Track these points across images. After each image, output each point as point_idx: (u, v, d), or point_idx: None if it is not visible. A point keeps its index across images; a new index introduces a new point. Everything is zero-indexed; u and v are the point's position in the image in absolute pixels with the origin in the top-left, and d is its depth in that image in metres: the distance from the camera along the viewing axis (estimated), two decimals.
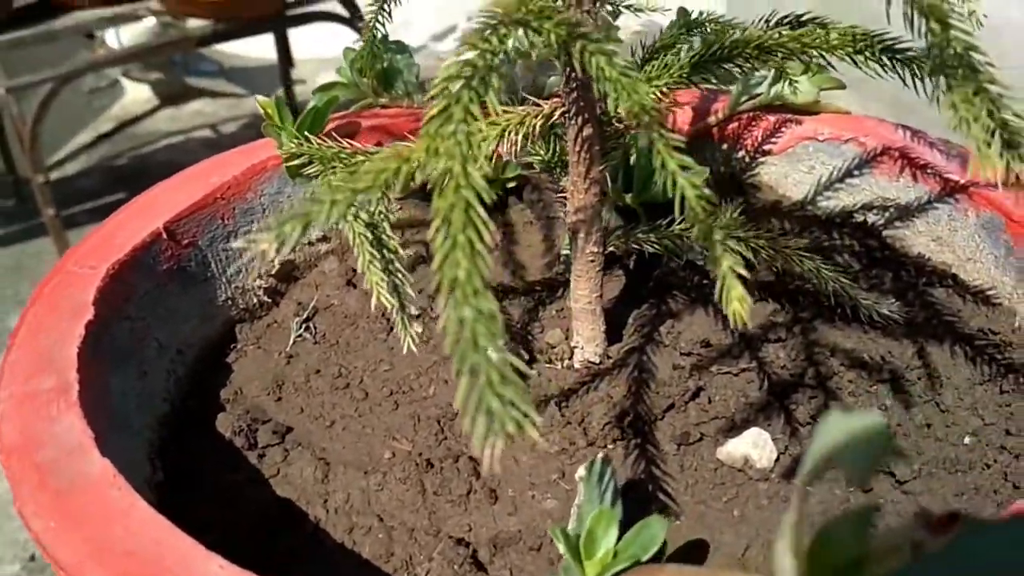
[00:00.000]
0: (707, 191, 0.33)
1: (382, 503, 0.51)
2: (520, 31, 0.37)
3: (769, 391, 0.56)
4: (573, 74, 0.49)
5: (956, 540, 0.23)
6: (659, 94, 0.49)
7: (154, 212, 0.60)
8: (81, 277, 0.53)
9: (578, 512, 0.43)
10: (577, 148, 0.51)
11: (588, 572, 0.41)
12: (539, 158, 0.57)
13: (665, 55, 0.51)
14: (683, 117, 0.74)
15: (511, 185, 0.75)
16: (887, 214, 0.66)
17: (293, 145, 0.52)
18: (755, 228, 0.67)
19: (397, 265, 0.47)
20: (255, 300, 0.66)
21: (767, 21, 0.48)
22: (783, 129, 0.71)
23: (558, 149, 0.57)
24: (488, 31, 0.36)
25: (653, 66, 0.50)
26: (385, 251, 0.46)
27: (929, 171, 0.63)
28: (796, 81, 0.65)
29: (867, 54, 0.42)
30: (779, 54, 0.45)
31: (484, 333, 0.30)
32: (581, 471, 0.43)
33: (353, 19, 2.42)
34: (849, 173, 0.68)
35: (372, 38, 0.65)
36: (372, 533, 0.50)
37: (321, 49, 2.99)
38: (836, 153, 0.69)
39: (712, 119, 0.73)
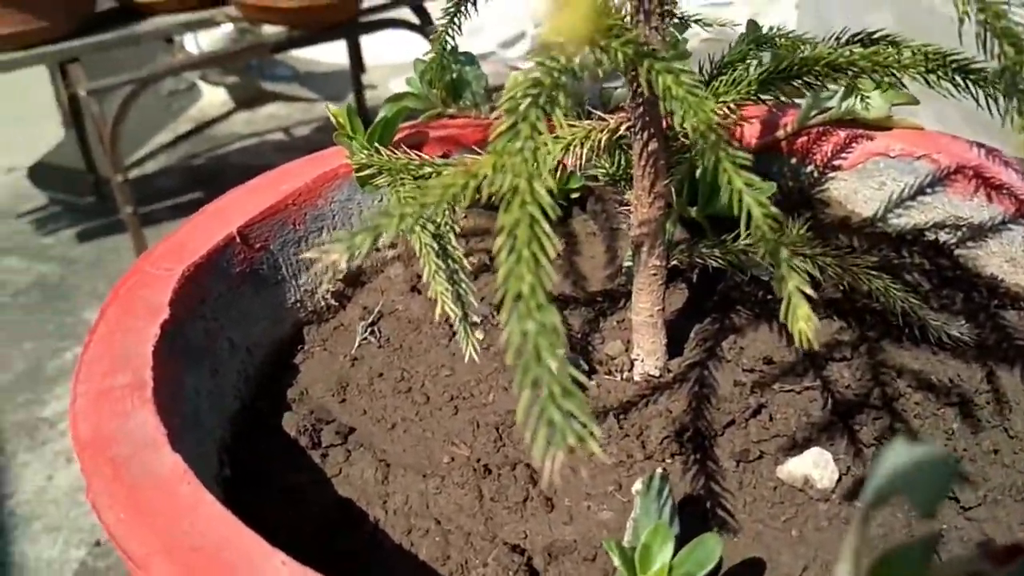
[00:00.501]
0: (774, 209, 0.33)
1: (440, 507, 0.52)
2: (587, 49, 0.37)
3: (832, 411, 0.55)
4: (640, 90, 0.50)
5: (1018, 572, 0.22)
6: (727, 110, 0.49)
7: (228, 217, 0.62)
8: (157, 278, 0.55)
9: (634, 526, 0.43)
10: (642, 162, 0.51)
11: None
12: (604, 171, 0.58)
13: (734, 70, 0.51)
14: (751, 131, 0.74)
15: (575, 196, 0.76)
16: (960, 233, 0.65)
17: (363, 156, 0.54)
18: (823, 244, 0.67)
19: (461, 275, 0.47)
20: (323, 303, 0.68)
21: (838, 38, 0.47)
22: (854, 144, 0.70)
23: (623, 162, 0.57)
24: (556, 49, 0.36)
25: (721, 81, 0.50)
26: (450, 261, 0.47)
27: (1004, 191, 0.62)
28: (868, 96, 0.64)
29: (939, 73, 0.42)
30: (850, 72, 0.44)
31: (546, 346, 0.30)
32: (638, 485, 0.44)
33: (424, 26, 2.45)
34: (921, 190, 0.67)
35: (441, 50, 0.66)
36: (429, 536, 0.50)
37: (392, 55, 3.04)
38: (908, 170, 0.68)
39: (781, 133, 0.72)
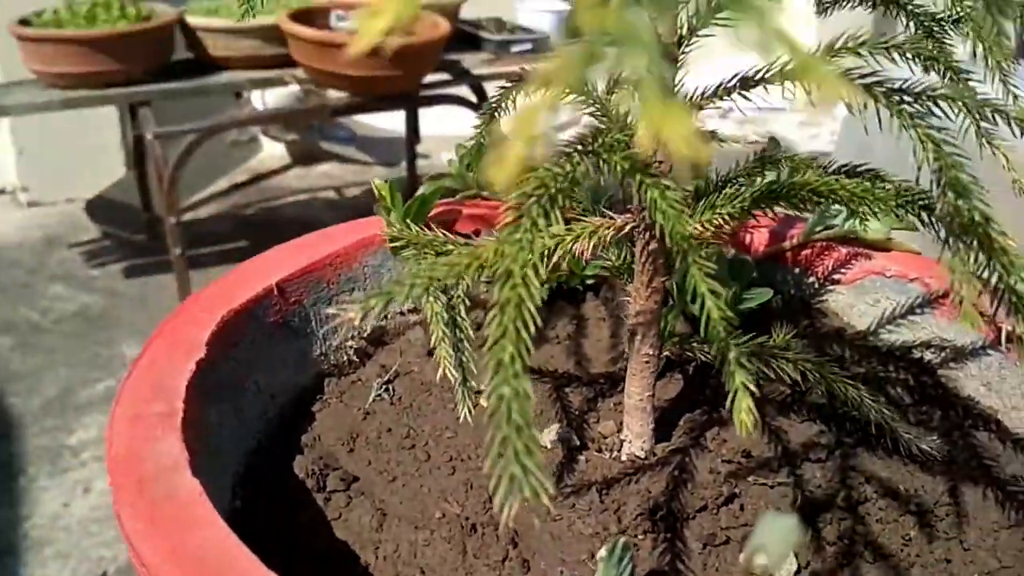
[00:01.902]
0: (729, 313, 0.38)
1: (427, 558, 0.56)
2: (589, 159, 0.43)
3: (800, 507, 0.59)
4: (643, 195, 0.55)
5: None
6: (722, 220, 0.54)
7: (270, 271, 0.68)
8: (200, 319, 0.61)
9: None
10: (642, 259, 0.57)
11: None
12: (610, 262, 0.63)
13: (738, 184, 0.57)
14: (759, 238, 0.79)
15: (590, 282, 0.81)
16: (943, 354, 0.69)
17: (395, 229, 0.60)
18: (817, 352, 0.71)
19: (466, 343, 0.53)
20: (345, 358, 0.73)
21: (825, 168, 0.53)
22: (853, 261, 0.75)
23: (627, 256, 0.63)
24: (562, 158, 0.42)
25: (724, 194, 0.56)
26: (458, 330, 0.52)
27: (985, 318, 0.66)
28: (866, 220, 0.69)
29: (907, 209, 0.47)
30: (831, 199, 0.49)
31: (517, 409, 0.35)
32: (603, 551, 0.48)
33: (480, 104, 2.56)
34: (912, 310, 0.71)
35: (481, 137, 0.72)
36: None
37: (448, 127, 3.15)
38: (901, 290, 0.72)
39: (787, 243, 0.78)
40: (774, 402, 0.68)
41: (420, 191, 0.75)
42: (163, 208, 2.33)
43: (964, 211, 0.39)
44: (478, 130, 0.71)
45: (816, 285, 0.78)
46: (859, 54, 0.46)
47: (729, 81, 0.51)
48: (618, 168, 0.43)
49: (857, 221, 0.71)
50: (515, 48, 2.69)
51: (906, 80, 0.43)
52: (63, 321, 2.37)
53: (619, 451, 0.64)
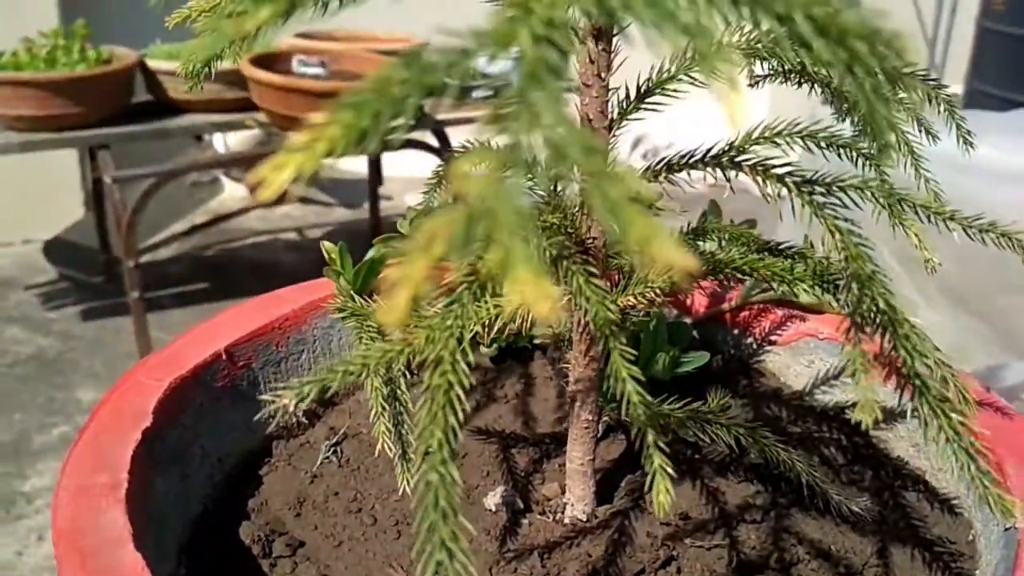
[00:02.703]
0: (648, 397, 0.40)
1: None
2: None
3: (736, 569, 0.61)
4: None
5: None
6: (653, 294, 0.56)
7: (219, 335, 0.69)
8: (147, 387, 0.62)
9: None
10: (579, 329, 0.59)
11: None
12: (550, 331, 0.65)
13: None
14: (700, 300, 0.82)
15: (537, 341, 0.83)
16: (909, 408, 0.72)
17: (340, 301, 0.61)
18: (754, 412, 0.73)
19: (405, 416, 0.54)
20: (294, 420, 0.74)
21: (749, 244, 0.55)
22: (788, 323, 0.78)
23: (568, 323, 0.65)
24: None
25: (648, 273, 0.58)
26: (397, 403, 0.54)
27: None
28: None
29: (824, 289, 0.49)
30: (752, 275, 0.52)
31: (444, 496, 0.37)
32: None
33: (442, 149, 2.59)
34: (844, 371, 0.74)
35: (430, 201, 0.74)
36: None
37: (411, 168, 3.17)
38: (834, 352, 0.75)
39: (726, 305, 0.80)
40: (712, 463, 0.70)
41: (369, 254, 0.76)
42: (121, 251, 2.32)
43: (867, 300, 0.42)
44: (427, 196, 0.73)
45: (754, 346, 0.80)
46: (776, 143, 0.49)
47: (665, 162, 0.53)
48: (546, 254, 0.45)
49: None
50: (476, 93, 2.73)
51: (817, 171, 0.46)
52: (18, 364, 2.35)
53: (562, 514, 0.66)
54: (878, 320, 0.43)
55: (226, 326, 0.70)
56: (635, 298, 0.58)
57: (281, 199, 3.46)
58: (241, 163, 3.14)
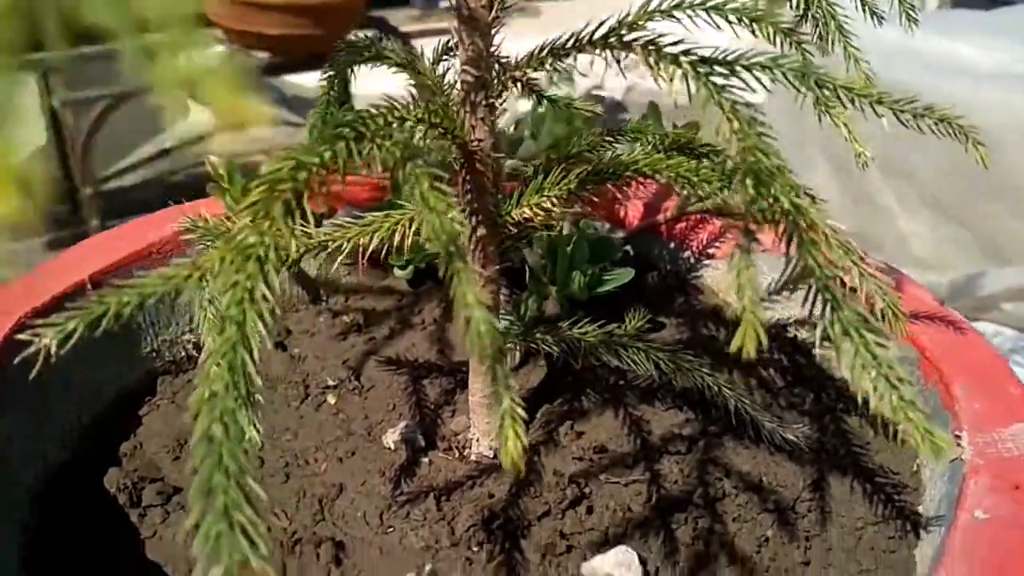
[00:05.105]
0: (497, 326, 0.33)
1: None
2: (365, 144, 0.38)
3: (655, 507, 0.55)
4: (467, 176, 0.50)
5: None
6: (551, 203, 0.49)
7: (85, 264, 0.62)
8: None
9: None
10: (472, 247, 0.51)
11: None
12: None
13: (567, 165, 0.51)
14: (635, 211, 0.74)
15: None
16: (818, 332, 0.65)
17: (188, 223, 0.54)
18: (691, 331, 0.67)
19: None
20: (183, 353, 0.67)
21: (657, 144, 0.48)
22: (728, 235, 0.70)
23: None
24: (320, 144, 0.37)
25: (552, 176, 0.51)
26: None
27: (858, 295, 0.62)
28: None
29: (728, 187, 0.42)
30: (656, 178, 0.44)
31: (229, 453, 0.30)
32: None
33: (408, 64, 2.47)
34: (786, 286, 0.67)
35: (327, 101, 0.67)
36: None
37: (381, 84, 3.05)
38: (776, 265, 0.68)
39: (661, 217, 0.73)
40: (638, 389, 0.63)
41: (262, 168, 0.68)
42: (79, 178, 2.23)
43: (764, 198, 0.35)
44: (323, 91, 0.66)
45: (692, 259, 0.73)
46: (674, 16, 0.41)
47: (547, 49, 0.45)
48: (390, 156, 0.37)
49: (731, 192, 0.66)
50: (443, 3, 2.61)
51: (717, 47, 0.38)
52: None
53: (468, 450, 0.59)
54: (781, 224, 0.36)
55: (93, 254, 0.63)
56: (531, 210, 0.50)
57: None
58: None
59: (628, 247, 0.71)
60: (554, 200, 0.49)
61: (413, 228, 0.50)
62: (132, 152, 3.13)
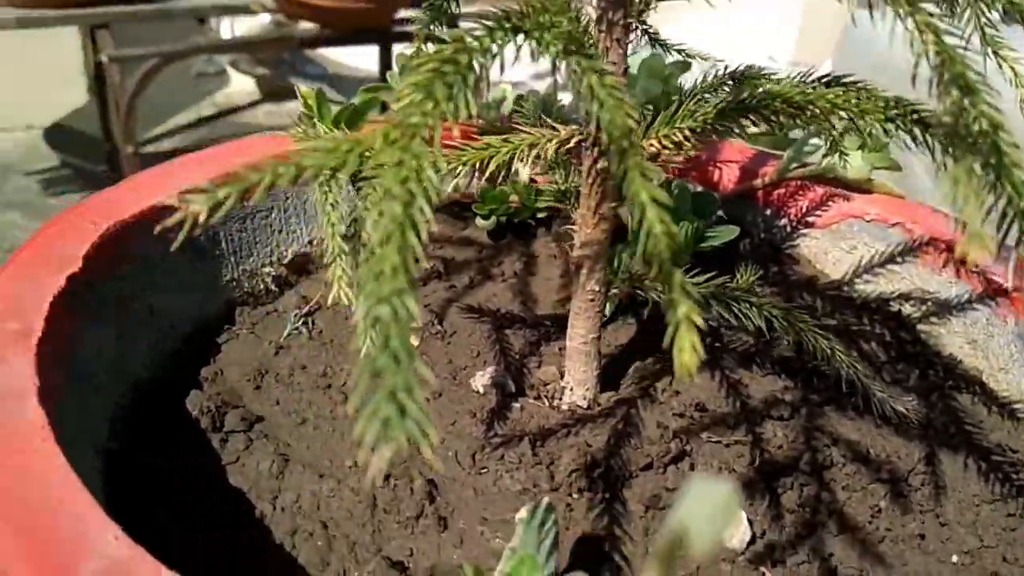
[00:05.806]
0: (674, 227, 0.31)
1: (331, 510, 0.49)
2: (520, 37, 0.35)
3: (758, 469, 0.52)
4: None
5: None
6: (682, 137, 0.47)
7: (172, 182, 0.60)
8: (80, 230, 0.53)
9: (510, 555, 0.41)
10: (590, 180, 0.49)
11: None
12: (555, 185, 0.55)
13: (702, 99, 0.49)
14: (729, 175, 0.72)
15: (542, 215, 0.73)
16: (924, 307, 0.62)
17: (301, 132, 0.51)
18: (785, 300, 0.64)
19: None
20: (261, 286, 0.65)
21: (804, 79, 0.45)
22: (830, 203, 0.68)
23: (576, 179, 0.55)
24: (483, 32, 0.34)
25: (685, 108, 0.48)
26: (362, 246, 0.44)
27: (974, 269, 0.59)
28: (847, 155, 0.61)
29: (898, 123, 0.39)
30: (808, 111, 0.42)
31: (397, 335, 0.27)
32: (522, 512, 0.41)
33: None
34: (892, 259, 0.64)
35: (420, 47, 0.64)
36: (312, 539, 0.48)
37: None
38: (881, 236, 0.65)
39: (759, 182, 0.70)
40: (735, 352, 0.61)
41: (352, 100, 0.66)
42: (119, 137, 2.22)
43: (970, 113, 0.32)
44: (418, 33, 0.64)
45: (788, 228, 0.70)
46: None
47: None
48: (551, 49, 0.35)
49: (837, 157, 0.63)
50: None
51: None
52: (16, 250, 2.27)
53: (559, 400, 0.57)
54: (978, 144, 0.33)
55: (181, 173, 0.61)
56: (659, 142, 0.48)
57: (290, 94, 3.33)
58: (244, 49, 3.01)
59: (721, 212, 0.69)
60: (687, 133, 0.46)
61: (533, 153, 0.48)
62: (170, 119, 3.12)
